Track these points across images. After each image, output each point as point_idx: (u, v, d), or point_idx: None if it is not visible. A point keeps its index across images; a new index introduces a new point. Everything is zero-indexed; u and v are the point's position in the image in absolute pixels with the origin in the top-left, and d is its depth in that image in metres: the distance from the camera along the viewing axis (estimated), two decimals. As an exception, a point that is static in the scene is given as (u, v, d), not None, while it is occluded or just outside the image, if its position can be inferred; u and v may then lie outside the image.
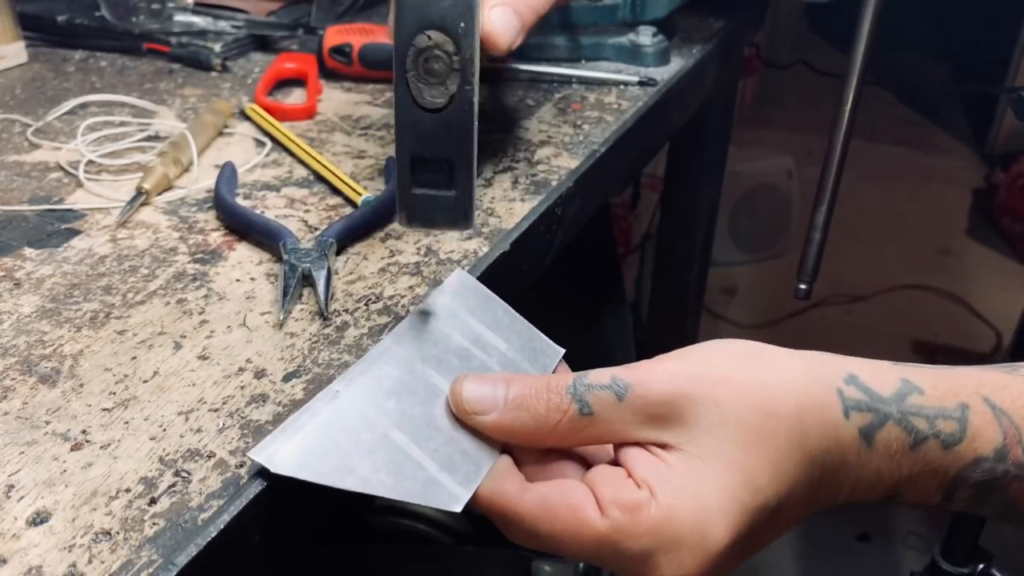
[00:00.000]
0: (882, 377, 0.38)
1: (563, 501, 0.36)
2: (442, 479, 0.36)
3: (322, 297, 0.46)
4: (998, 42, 2.53)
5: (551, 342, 0.46)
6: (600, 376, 0.37)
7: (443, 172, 0.39)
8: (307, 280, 0.48)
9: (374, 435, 0.36)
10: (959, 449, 0.37)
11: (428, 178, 0.39)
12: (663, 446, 0.36)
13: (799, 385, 0.37)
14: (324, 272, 0.47)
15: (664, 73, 0.80)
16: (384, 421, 0.37)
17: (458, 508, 0.36)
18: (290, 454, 0.34)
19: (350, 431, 0.36)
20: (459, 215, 0.40)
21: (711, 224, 1.28)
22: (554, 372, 0.45)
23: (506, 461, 0.38)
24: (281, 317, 0.45)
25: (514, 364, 0.43)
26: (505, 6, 0.50)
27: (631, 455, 0.37)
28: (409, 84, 0.38)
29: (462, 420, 0.38)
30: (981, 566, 1.06)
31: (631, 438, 0.37)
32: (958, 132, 2.82)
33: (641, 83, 0.77)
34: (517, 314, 0.45)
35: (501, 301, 0.45)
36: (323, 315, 0.46)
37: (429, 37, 0.37)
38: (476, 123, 0.39)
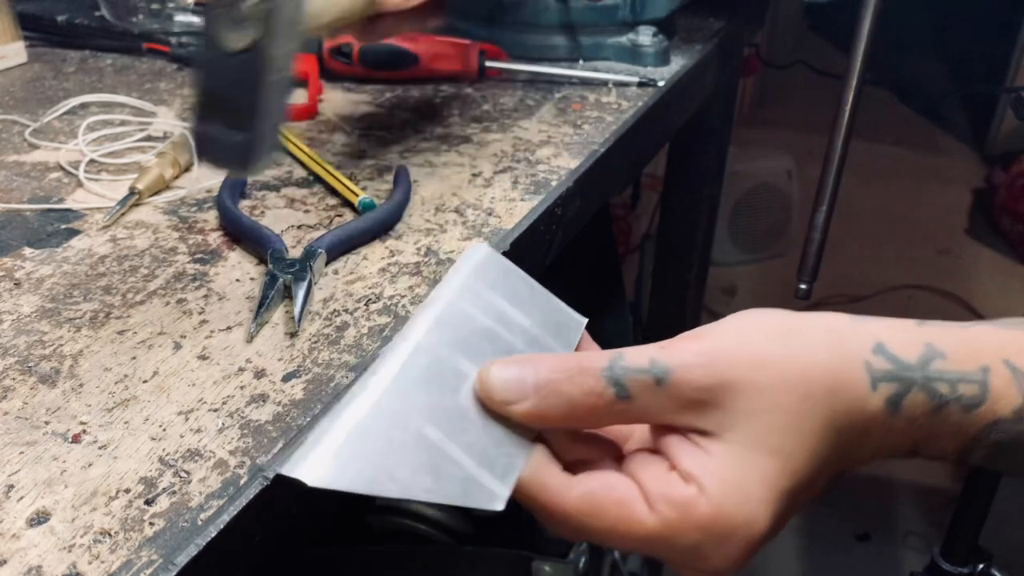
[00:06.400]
0: (907, 342, 0.38)
1: (610, 497, 0.36)
2: (480, 476, 0.34)
3: (297, 312, 0.45)
4: (998, 42, 2.53)
5: (573, 313, 0.43)
6: (637, 358, 0.36)
7: (234, 114, 0.41)
8: (288, 291, 0.46)
9: (408, 433, 0.34)
10: (979, 411, 0.38)
11: (220, 117, 0.41)
12: (703, 432, 0.36)
13: (832, 363, 0.37)
14: (304, 285, 0.46)
15: (664, 73, 0.80)
16: (417, 417, 0.34)
17: (500, 507, 0.34)
18: (325, 465, 0.31)
19: (383, 431, 0.33)
20: (245, 159, 0.41)
21: (711, 224, 1.28)
22: (578, 345, 0.43)
23: (543, 451, 0.37)
24: (252, 330, 0.44)
25: (539, 342, 0.41)
26: None
27: (673, 445, 0.37)
28: (216, 20, 0.39)
29: (492, 410, 0.37)
30: (981, 566, 1.06)
31: (667, 422, 0.37)
32: (958, 132, 2.82)
33: (641, 83, 0.77)
34: (538, 285, 0.43)
35: (521, 272, 0.43)
36: (294, 332, 0.44)
37: None
38: (281, 76, 0.41)
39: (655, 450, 0.38)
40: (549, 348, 0.41)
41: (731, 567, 0.36)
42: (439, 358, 0.37)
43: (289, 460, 0.32)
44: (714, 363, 0.36)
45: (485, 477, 0.35)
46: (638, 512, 0.35)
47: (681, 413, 0.36)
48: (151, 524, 0.33)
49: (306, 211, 0.56)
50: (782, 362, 0.36)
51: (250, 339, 0.44)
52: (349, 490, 0.32)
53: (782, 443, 0.36)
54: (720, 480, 0.35)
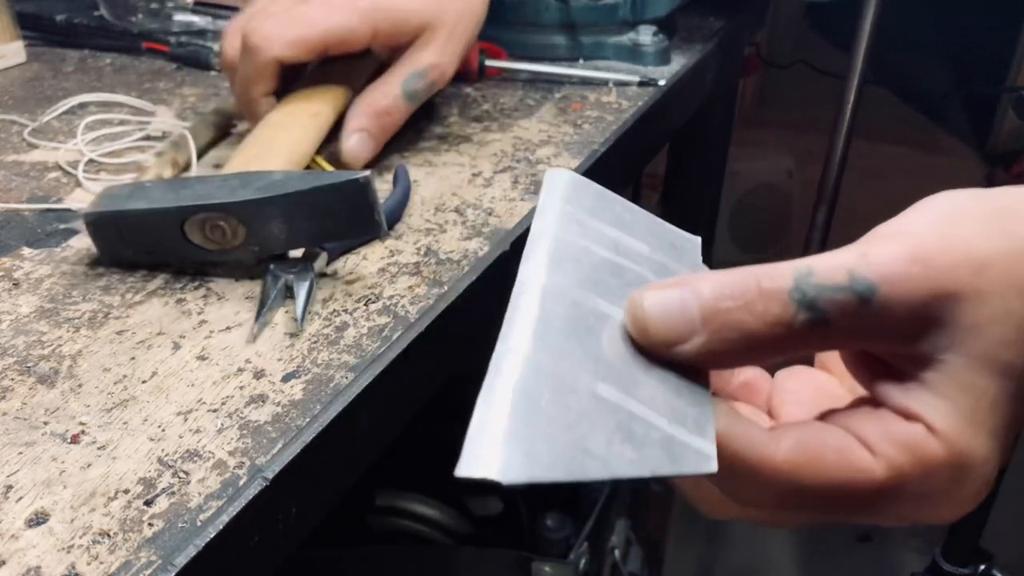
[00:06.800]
0: None
1: (827, 445, 0.29)
2: (680, 435, 0.28)
3: (299, 312, 0.45)
4: (999, 42, 2.53)
5: (683, 232, 0.37)
6: (831, 271, 0.29)
7: (140, 244, 0.49)
8: (290, 291, 0.46)
9: (581, 396, 0.27)
10: None
11: (128, 236, 0.48)
12: (916, 356, 0.30)
13: None
14: (306, 285, 0.46)
15: (664, 72, 0.80)
16: (583, 374, 0.28)
17: (714, 468, 0.28)
18: (514, 456, 0.25)
19: (555, 397, 0.26)
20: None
21: (711, 224, 1.28)
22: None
23: (725, 400, 0.31)
24: (255, 331, 0.44)
25: (667, 269, 0.34)
26: (361, 132, 0.61)
27: (879, 378, 0.31)
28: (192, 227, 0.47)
29: (654, 353, 0.29)
30: (982, 567, 1.06)
31: (869, 348, 0.31)
32: (959, 132, 2.82)
33: (641, 83, 0.77)
34: (638, 207, 0.36)
35: (614, 194, 0.36)
36: (298, 331, 0.44)
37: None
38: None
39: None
40: (679, 274, 0.34)
41: (963, 512, 0.31)
42: (574, 301, 0.30)
43: (466, 459, 0.24)
44: (928, 271, 0.29)
45: (684, 435, 0.28)
46: (861, 460, 0.29)
47: (889, 337, 0.29)
48: (150, 525, 0.33)
49: (306, 211, 0.56)
50: (1007, 259, 0.29)
51: (254, 339, 0.44)
52: (548, 481, 0.25)
53: (1012, 358, 0.29)
54: (946, 414, 0.29)
